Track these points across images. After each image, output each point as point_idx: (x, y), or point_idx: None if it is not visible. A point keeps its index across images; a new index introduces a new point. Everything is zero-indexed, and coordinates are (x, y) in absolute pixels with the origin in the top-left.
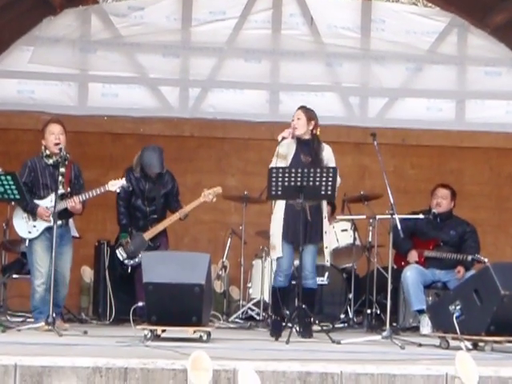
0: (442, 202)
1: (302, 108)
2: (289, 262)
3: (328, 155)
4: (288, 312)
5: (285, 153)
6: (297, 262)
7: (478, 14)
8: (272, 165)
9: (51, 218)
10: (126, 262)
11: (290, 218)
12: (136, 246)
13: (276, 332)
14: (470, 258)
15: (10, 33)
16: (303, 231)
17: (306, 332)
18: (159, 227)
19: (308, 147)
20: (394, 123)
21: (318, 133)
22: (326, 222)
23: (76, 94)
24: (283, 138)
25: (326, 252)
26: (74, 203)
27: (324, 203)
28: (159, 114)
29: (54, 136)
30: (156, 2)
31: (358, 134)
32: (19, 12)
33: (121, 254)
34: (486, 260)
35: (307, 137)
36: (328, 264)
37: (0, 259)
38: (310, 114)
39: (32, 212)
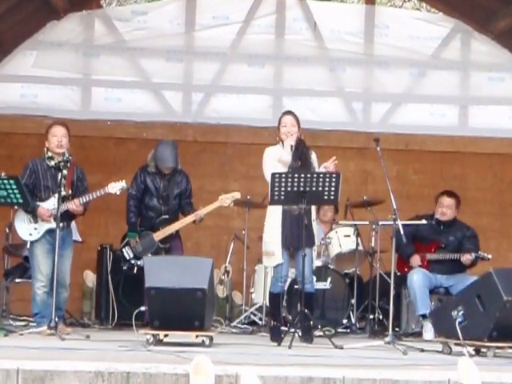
0: (447, 211)
1: (292, 114)
2: (287, 268)
3: (315, 160)
4: (290, 317)
5: (286, 159)
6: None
7: (482, 19)
8: (272, 170)
9: (52, 219)
10: (132, 261)
11: (287, 224)
12: (145, 246)
13: (277, 338)
14: (473, 255)
15: (14, 37)
16: (301, 236)
17: (307, 336)
18: (171, 228)
19: (297, 152)
20: (397, 128)
21: (302, 137)
22: (314, 224)
23: (79, 98)
24: (292, 146)
25: (314, 254)
26: (75, 205)
27: (313, 206)
28: (162, 118)
29: (57, 138)
30: (159, 6)
31: (361, 139)
32: (22, 16)
33: (127, 252)
34: (489, 256)
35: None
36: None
37: (3, 263)
38: (298, 119)
39: (33, 212)
